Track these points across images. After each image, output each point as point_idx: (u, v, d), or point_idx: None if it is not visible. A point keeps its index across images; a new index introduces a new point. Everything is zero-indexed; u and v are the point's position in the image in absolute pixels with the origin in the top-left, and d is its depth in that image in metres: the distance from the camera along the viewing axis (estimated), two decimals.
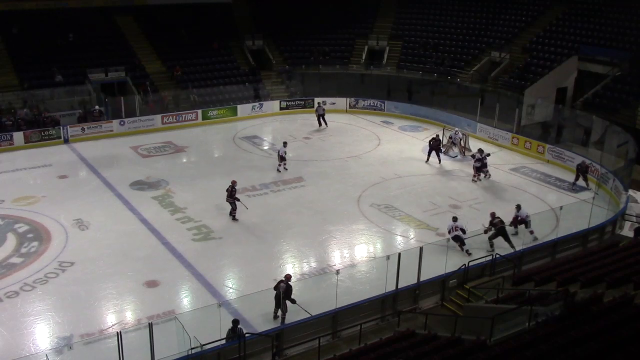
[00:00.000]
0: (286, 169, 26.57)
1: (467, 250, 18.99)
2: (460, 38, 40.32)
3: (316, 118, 33.83)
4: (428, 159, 27.99)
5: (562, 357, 10.70)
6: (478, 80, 36.37)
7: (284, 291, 15.31)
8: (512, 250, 18.90)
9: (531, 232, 19.91)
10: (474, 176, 25.73)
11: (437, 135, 28.78)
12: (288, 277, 15.70)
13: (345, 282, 16.49)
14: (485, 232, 19.39)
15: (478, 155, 25.52)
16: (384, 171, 26.96)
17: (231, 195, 21.59)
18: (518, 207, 20.31)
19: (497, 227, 19.34)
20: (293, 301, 15.55)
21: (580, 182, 25.17)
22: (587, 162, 25.66)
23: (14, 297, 16.68)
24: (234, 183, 21.87)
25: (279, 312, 15.60)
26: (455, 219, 19.44)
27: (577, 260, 17.69)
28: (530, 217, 19.95)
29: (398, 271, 16.17)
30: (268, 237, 20.54)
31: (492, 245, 19.25)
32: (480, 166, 25.58)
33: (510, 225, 19.97)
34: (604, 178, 24.99)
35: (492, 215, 19.73)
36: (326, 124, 33.74)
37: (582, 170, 25.14)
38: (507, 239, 19.24)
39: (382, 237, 21.08)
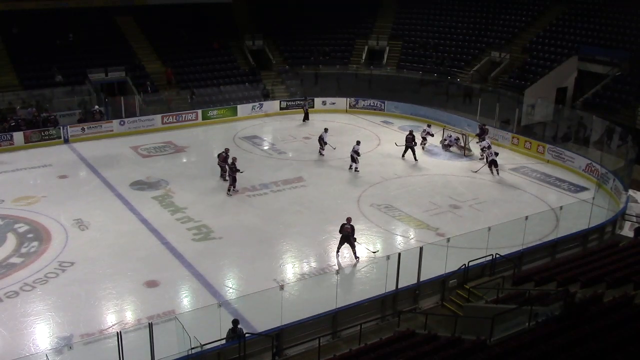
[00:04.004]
0: (322, 155, 28.78)
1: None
2: (460, 38, 40.32)
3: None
4: (404, 155, 28.65)
5: (562, 357, 10.69)
6: (478, 80, 36.37)
7: (349, 232, 18.46)
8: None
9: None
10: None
11: (411, 131, 29.02)
12: (349, 219, 18.80)
13: (345, 282, 16.48)
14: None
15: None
16: (384, 171, 26.96)
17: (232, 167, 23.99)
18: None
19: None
20: (355, 239, 18.63)
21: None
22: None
23: (14, 297, 16.67)
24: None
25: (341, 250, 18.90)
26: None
27: (577, 260, 17.66)
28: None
29: (398, 271, 16.17)
30: (268, 237, 20.53)
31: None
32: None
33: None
34: (604, 178, 24.99)
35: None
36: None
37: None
38: None
39: (382, 237, 21.07)
